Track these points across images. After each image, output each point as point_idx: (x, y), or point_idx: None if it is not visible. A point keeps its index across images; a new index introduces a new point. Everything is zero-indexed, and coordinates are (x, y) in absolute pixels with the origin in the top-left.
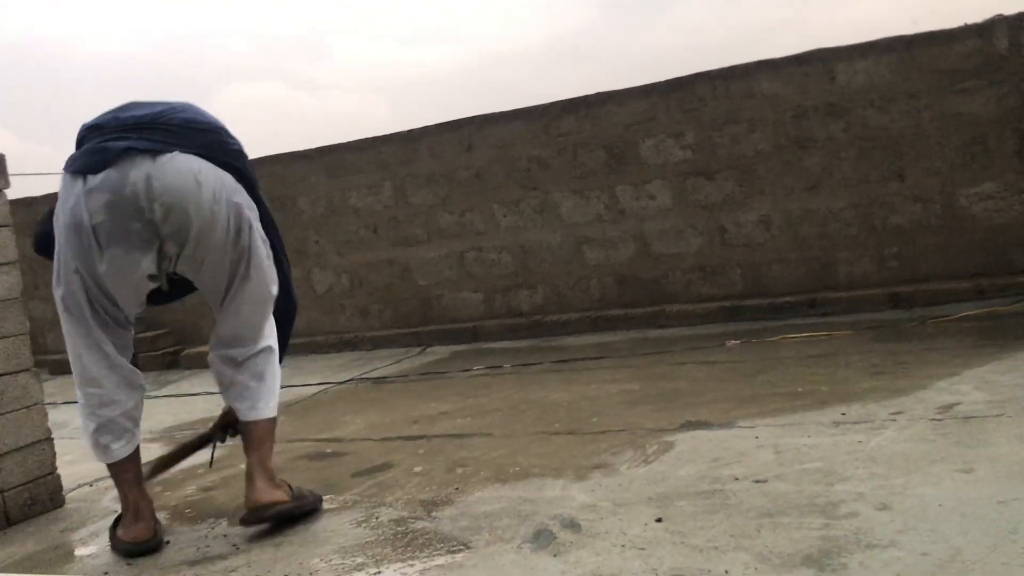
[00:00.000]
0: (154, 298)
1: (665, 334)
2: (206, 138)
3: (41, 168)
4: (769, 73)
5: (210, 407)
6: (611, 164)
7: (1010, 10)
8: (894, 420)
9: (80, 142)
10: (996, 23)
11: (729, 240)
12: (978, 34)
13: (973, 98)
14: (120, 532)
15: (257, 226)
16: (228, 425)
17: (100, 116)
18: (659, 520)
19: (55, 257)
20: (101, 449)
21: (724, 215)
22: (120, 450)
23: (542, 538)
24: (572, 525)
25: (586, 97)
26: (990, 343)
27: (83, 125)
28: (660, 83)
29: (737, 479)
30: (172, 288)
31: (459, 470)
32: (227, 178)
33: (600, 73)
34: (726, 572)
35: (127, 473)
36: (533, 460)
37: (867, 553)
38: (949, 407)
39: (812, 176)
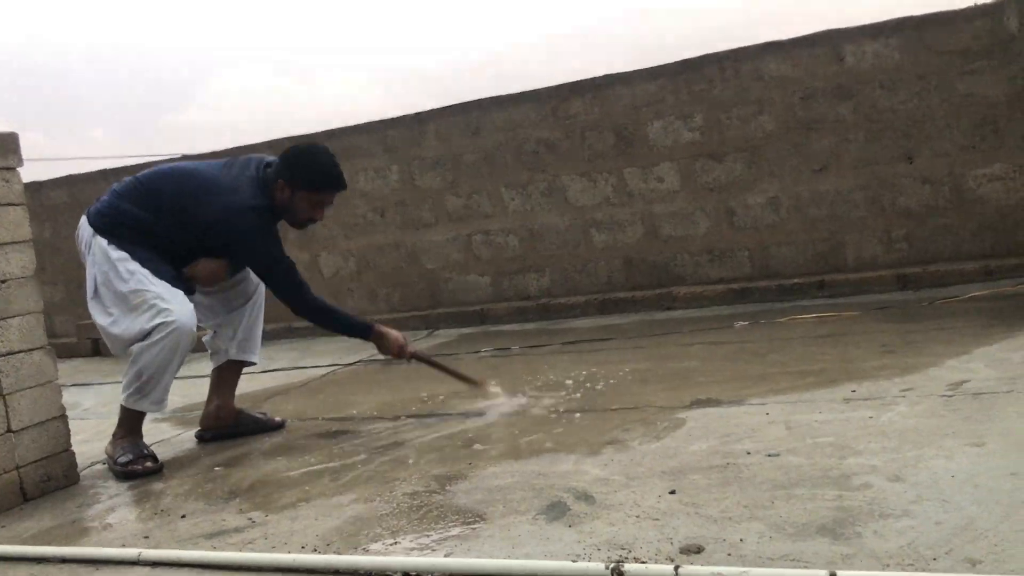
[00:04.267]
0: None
1: (673, 316)
2: None
3: (30, 154)
4: (778, 55)
5: None
6: (619, 146)
7: None
8: (904, 396)
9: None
10: (1005, 4)
11: (737, 222)
12: (987, 15)
13: (982, 79)
14: None
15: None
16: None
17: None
18: (672, 492)
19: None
20: None
21: (732, 197)
22: None
23: (556, 509)
24: (586, 497)
25: (594, 79)
26: (999, 323)
27: None
28: (668, 65)
29: (749, 453)
30: None
31: (473, 447)
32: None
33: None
34: (741, 540)
35: None
36: (545, 437)
37: (881, 522)
38: (959, 384)
39: (820, 158)
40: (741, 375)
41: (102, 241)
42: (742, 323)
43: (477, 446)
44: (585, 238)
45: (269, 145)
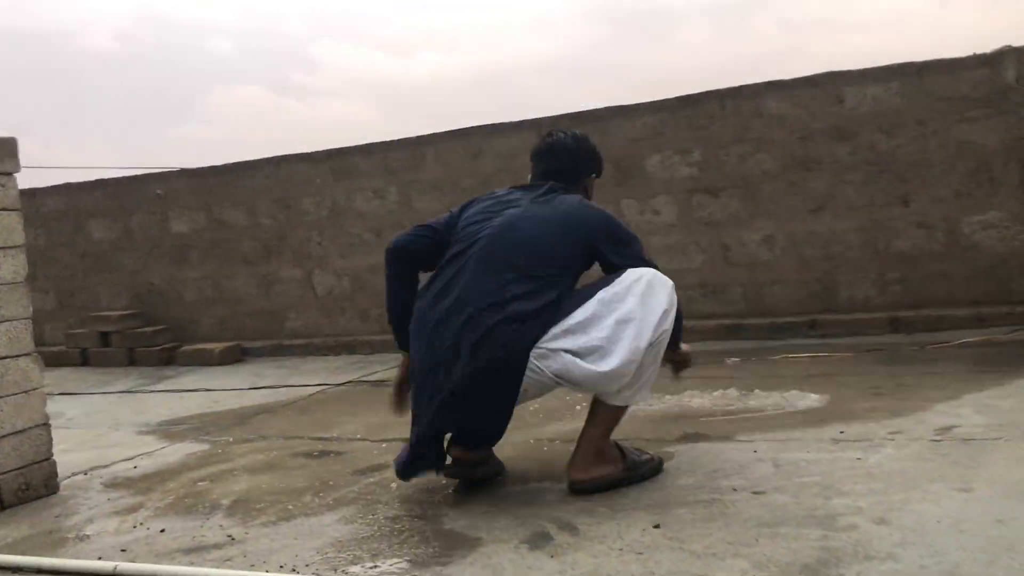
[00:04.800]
0: None
1: None
2: None
3: (28, 162)
4: (778, 94)
5: (206, 402)
6: (618, 178)
7: (1019, 41)
8: (893, 439)
9: None
10: (1005, 54)
11: (732, 258)
12: (987, 64)
13: (980, 127)
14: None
15: None
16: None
17: None
18: (657, 526)
19: None
20: None
21: (728, 233)
22: None
23: (539, 539)
24: (569, 528)
25: (595, 110)
26: (990, 369)
27: None
28: (670, 100)
29: (735, 490)
30: None
31: None
32: None
33: (605, 88)
34: None
35: None
36: (531, 465)
37: (865, 564)
38: (948, 428)
39: (817, 198)
40: (730, 411)
41: None
42: (734, 359)
43: None
44: None
45: (274, 160)
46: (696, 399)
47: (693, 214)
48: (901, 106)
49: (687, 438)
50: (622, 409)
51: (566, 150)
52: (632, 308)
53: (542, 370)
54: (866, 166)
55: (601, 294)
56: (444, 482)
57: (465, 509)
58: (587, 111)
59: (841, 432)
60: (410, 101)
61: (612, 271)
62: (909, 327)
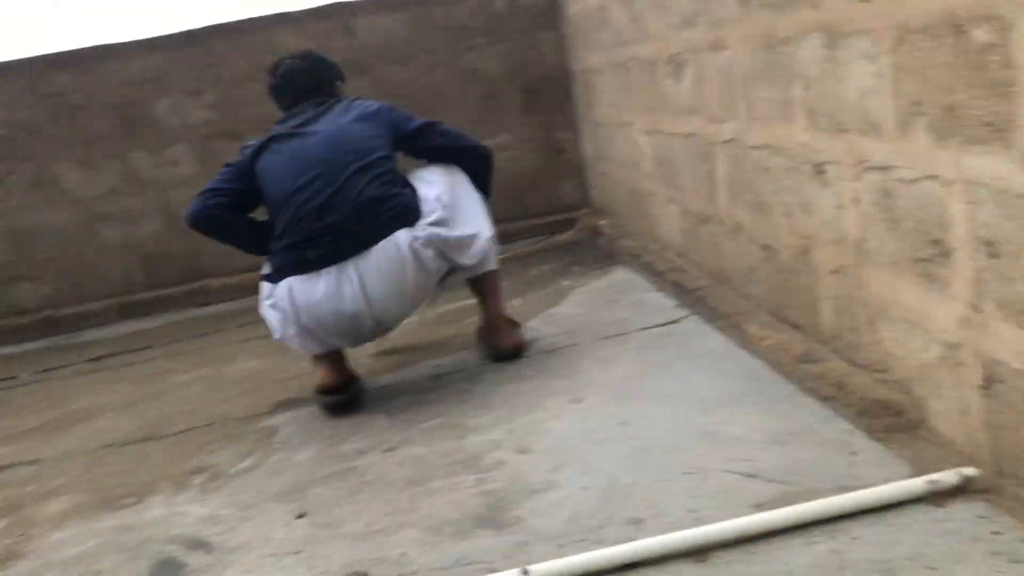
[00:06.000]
0: None
1: (212, 312)
2: None
3: None
4: (290, 27)
5: None
6: (123, 128)
7: None
8: (484, 365)
9: None
10: None
11: None
12: None
13: (482, 55)
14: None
15: None
16: None
17: None
18: (301, 516)
19: None
20: None
21: None
22: None
23: (169, 569)
24: (200, 545)
25: (81, 50)
26: (533, 281)
27: None
28: (171, 35)
29: (363, 452)
30: None
31: (14, 513)
32: None
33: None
34: (403, 554)
35: None
36: (111, 481)
37: (533, 499)
38: (531, 343)
39: None
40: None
41: None
42: None
43: (21, 511)
44: (91, 235)
45: None
46: None
47: (217, 161)
48: (410, 37)
49: (283, 406)
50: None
51: (303, 71)
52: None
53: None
54: (387, 98)
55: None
56: (5, 532)
57: (47, 559)
58: (70, 52)
59: (437, 366)
60: None
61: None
62: None
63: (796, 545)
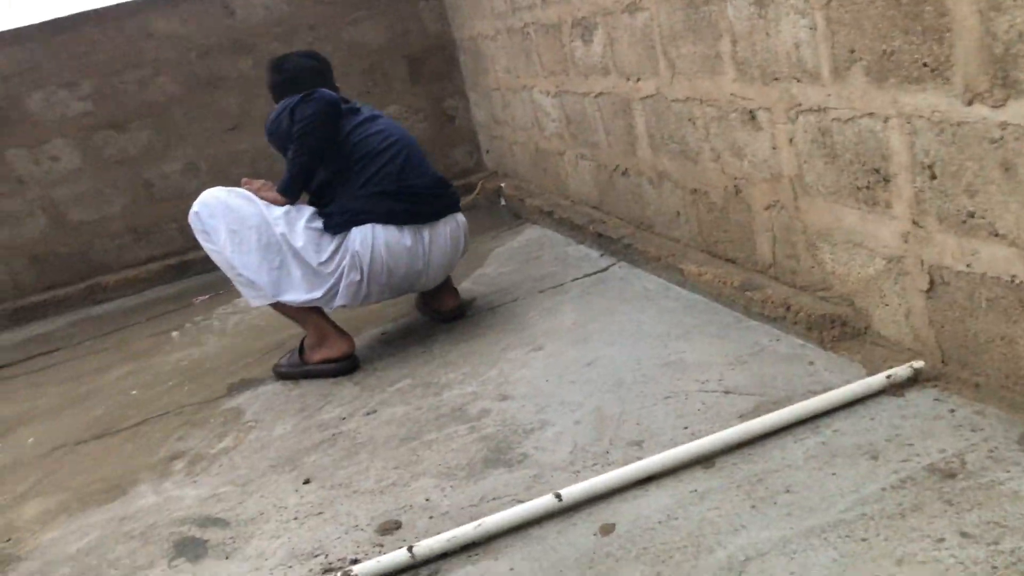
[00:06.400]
0: None
1: (114, 308)
2: None
3: None
4: (164, 10)
5: None
6: None
7: None
8: (431, 325)
9: None
10: None
11: (157, 194)
12: None
13: (364, 28)
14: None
15: None
16: None
17: None
18: (307, 481)
19: None
20: None
21: (146, 168)
22: None
23: (191, 548)
24: (213, 522)
25: None
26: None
27: None
28: (35, 25)
29: (344, 419)
30: None
31: (6, 515)
32: None
33: None
34: (427, 500)
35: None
36: (81, 479)
37: (531, 438)
38: (470, 302)
39: (232, 116)
40: (262, 347)
41: None
42: (202, 297)
43: (11, 514)
44: None
45: None
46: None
47: (101, 154)
48: (291, 13)
49: (241, 386)
50: None
51: (310, 69)
52: None
53: None
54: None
55: None
56: None
57: (48, 557)
58: None
59: (383, 333)
60: None
61: None
62: None
63: (788, 443)
